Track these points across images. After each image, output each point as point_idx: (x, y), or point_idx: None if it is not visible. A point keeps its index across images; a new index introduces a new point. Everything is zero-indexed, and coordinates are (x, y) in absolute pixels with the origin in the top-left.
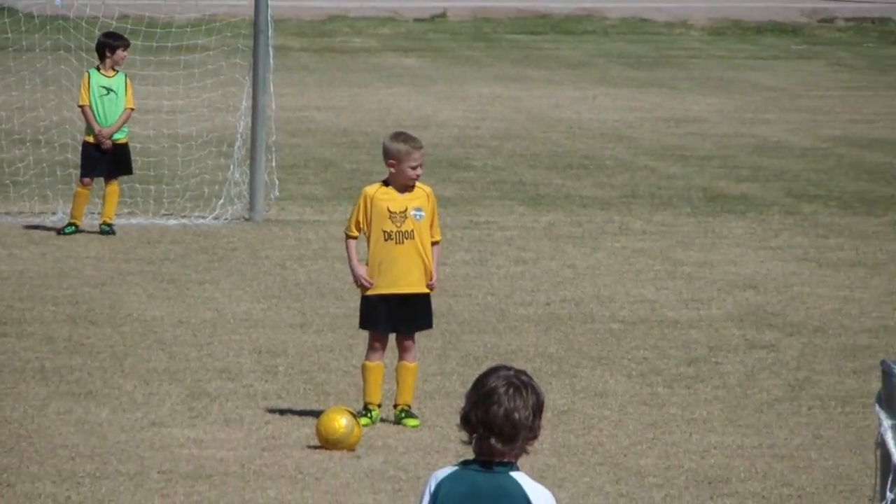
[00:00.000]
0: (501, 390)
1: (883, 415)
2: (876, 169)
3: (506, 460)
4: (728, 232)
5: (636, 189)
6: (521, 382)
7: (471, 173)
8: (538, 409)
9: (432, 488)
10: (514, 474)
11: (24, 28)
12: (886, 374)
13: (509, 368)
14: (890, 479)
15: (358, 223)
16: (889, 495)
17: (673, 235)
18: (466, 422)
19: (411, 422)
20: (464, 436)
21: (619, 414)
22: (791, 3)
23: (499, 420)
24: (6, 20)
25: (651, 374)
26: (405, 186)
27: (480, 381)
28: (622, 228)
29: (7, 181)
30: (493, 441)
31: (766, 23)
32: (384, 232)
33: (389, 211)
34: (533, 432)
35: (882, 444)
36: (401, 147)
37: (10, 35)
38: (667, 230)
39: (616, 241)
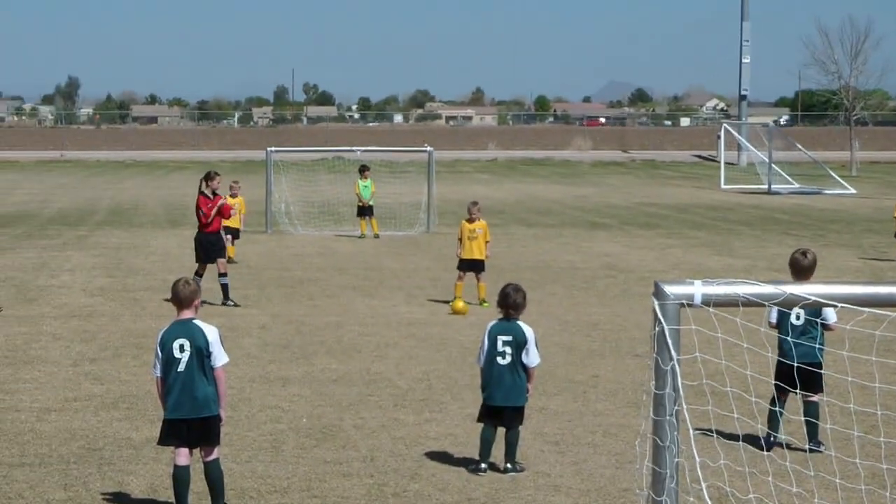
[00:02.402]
0: (510, 289)
1: None
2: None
3: (516, 315)
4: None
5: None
6: (518, 286)
7: (504, 214)
8: (525, 297)
9: (489, 327)
10: (519, 322)
11: None
12: None
13: (514, 284)
14: None
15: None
16: None
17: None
18: (500, 304)
19: (485, 305)
20: (499, 311)
21: None
22: None
23: (510, 301)
24: None
25: None
26: (471, 220)
27: (502, 290)
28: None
29: None
30: (509, 310)
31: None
32: (469, 237)
33: (468, 229)
34: (525, 307)
35: None
36: (469, 206)
37: None
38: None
39: (625, 240)
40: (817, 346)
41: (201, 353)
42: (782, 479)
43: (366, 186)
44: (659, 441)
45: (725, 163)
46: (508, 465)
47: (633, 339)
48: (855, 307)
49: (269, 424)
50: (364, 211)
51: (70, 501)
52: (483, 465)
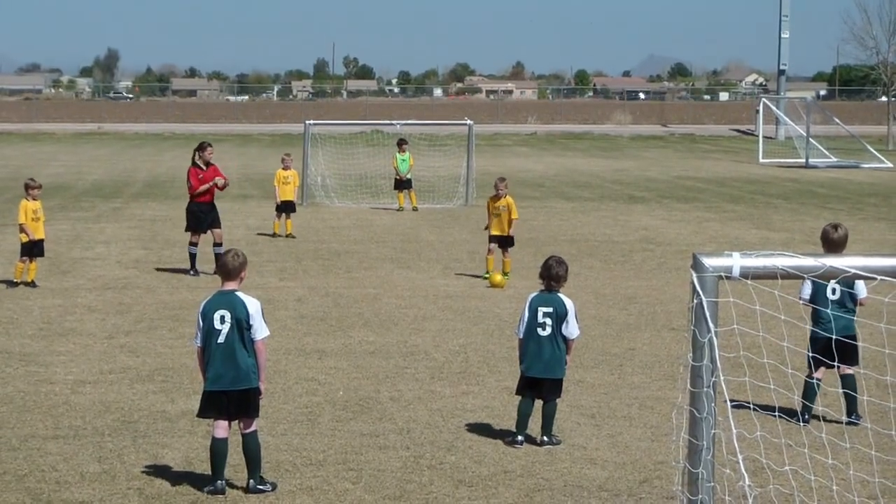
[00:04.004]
0: (553, 262)
1: None
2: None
3: (557, 288)
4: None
5: (619, 193)
6: (560, 259)
7: (544, 188)
8: (567, 270)
9: (530, 299)
10: (559, 294)
11: None
12: None
13: (557, 256)
14: None
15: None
16: None
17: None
18: (542, 276)
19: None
20: (541, 283)
21: None
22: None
23: (553, 272)
24: None
25: None
26: (497, 197)
27: (545, 262)
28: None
29: None
30: (551, 282)
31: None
32: (493, 213)
33: (493, 206)
34: (566, 279)
35: None
36: (496, 182)
37: None
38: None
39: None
40: (854, 318)
41: (241, 324)
42: (818, 452)
43: (403, 160)
44: (696, 413)
45: (764, 137)
46: (545, 438)
47: (669, 313)
48: (893, 280)
49: (306, 397)
50: (402, 184)
51: (104, 474)
52: (520, 438)
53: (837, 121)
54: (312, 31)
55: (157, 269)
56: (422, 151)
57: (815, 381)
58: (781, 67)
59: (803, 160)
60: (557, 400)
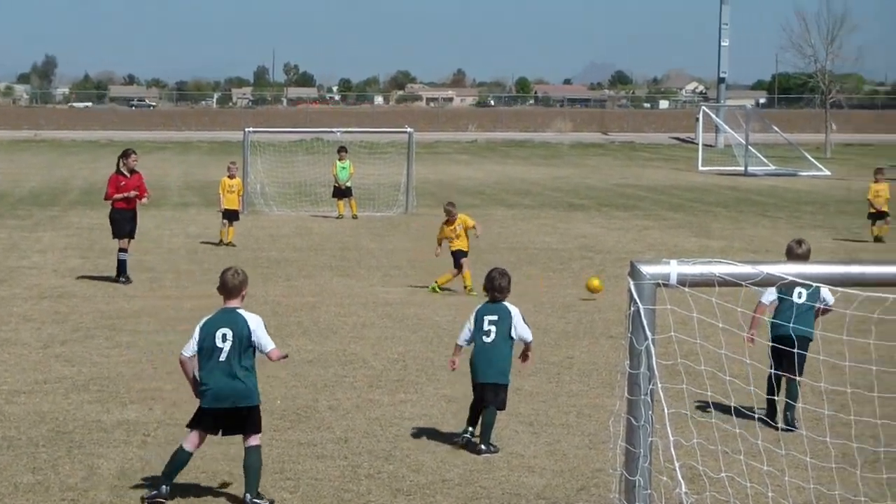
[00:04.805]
0: (496, 273)
1: None
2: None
3: (501, 298)
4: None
5: (555, 200)
6: (503, 271)
7: (484, 196)
8: (510, 281)
9: (476, 309)
10: (504, 303)
11: None
12: None
13: (500, 268)
14: None
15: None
16: None
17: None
18: (485, 288)
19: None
20: (485, 294)
21: None
22: None
23: (495, 284)
24: None
25: None
26: (451, 221)
27: (488, 274)
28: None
29: None
30: (495, 293)
31: None
32: (453, 236)
33: (449, 230)
34: (509, 291)
35: None
36: (446, 207)
37: None
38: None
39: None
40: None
41: (243, 342)
42: (754, 458)
43: (343, 168)
44: (633, 420)
45: (703, 145)
46: (483, 447)
47: (607, 320)
48: (828, 286)
49: None
50: (341, 192)
51: (38, 485)
52: (470, 429)
53: (776, 129)
54: (253, 38)
55: (94, 278)
56: (362, 159)
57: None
58: (721, 76)
59: (742, 168)
60: (500, 411)
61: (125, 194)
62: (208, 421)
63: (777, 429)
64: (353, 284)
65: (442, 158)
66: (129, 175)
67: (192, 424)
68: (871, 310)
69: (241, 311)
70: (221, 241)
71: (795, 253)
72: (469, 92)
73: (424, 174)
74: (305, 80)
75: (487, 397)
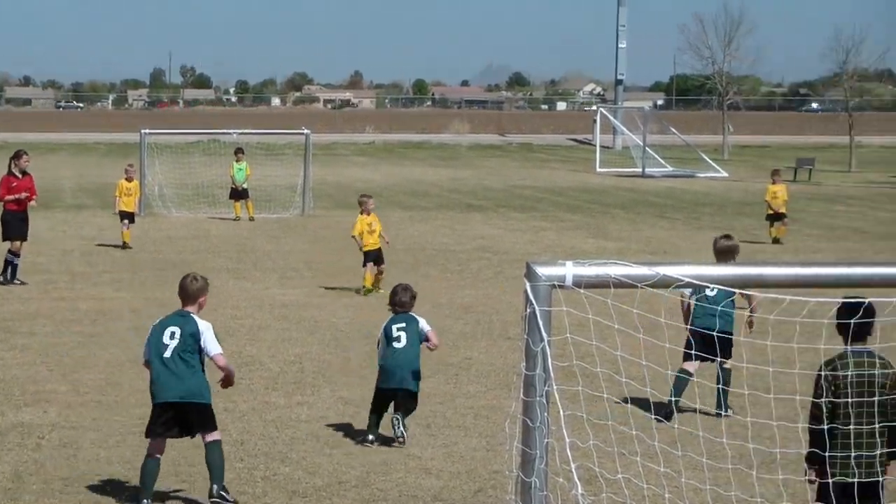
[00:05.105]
0: (399, 289)
1: None
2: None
3: (408, 311)
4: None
5: (452, 200)
6: (406, 286)
7: (381, 198)
8: (414, 296)
9: (384, 325)
10: (412, 313)
11: None
12: None
13: (403, 284)
14: None
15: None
16: None
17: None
18: (390, 303)
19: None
20: (390, 308)
21: None
22: None
23: (397, 299)
24: None
25: None
26: (369, 212)
27: (393, 288)
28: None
29: None
30: (397, 308)
31: None
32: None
33: (366, 222)
34: (412, 305)
35: None
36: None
37: None
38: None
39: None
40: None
41: (187, 341)
42: (651, 460)
43: (240, 169)
44: (529, 422)
45: (601, 146)
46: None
47: (505, 322)
48: (723, 288)
49: (139, 409)
50: (238, 194)
51: None
52: (371, 437)
53: (674, 130)
54: (149, 40)
55: None
56: (259, 161)
57: (685, 374)
58: (619, 77)
59: (640, 169)
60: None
61: (16, 196)
62: (161, 419)
63: (674, 428)
64: (250, 286)
65: (339, 160)
66: (21, 176)
67: (149, 432)
68: (770, 311)
69: (193, 315)
70: (125, 243)
71: (717, 247)
72: (366, 93)
73: (322, 176)
74: (202, 82)
75: (399, 403)
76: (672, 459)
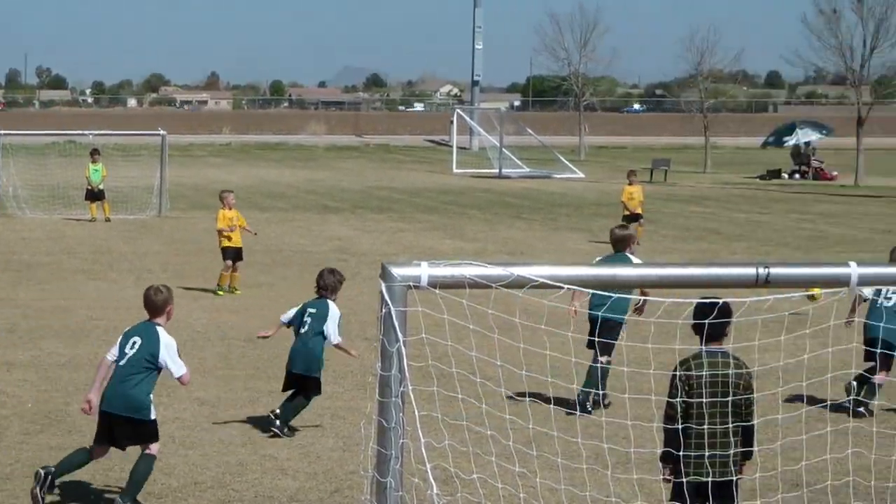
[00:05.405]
0: (325, 271)
1: None
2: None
3: (327, 295)
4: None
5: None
6: (333, 269)
7: (238, 199)
8: (338, 281)
9: (300, 307)
10: (329, 301)
11: None
12: None
13: (330, 267)
14: None
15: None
16: None
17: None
18: (317, 286)
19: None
20: (315, 291)
21: None
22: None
23: (319, 282)
24: None
25: None
26: (229, 207)
27: (320, 271)
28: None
29: None
30: (320, 290)
31: None
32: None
33: (228, 217)
34: (335, 290)
35: None
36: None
37: None
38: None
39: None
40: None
41: (144, 354)
42: (506, 460)
43: (96, 170)
44: (384, 423)
45: (458, 147)
46: (279, 424)
47: (363, 322)
48: (578, 289)
49: None
50: (95, 195)
51: None
52: (271, 415)
53: (530, 131)
54: (4, 41)
55: None
56: (115, 162)
57: (598, 365)
58: (475, 78)
59: (496, 170)
60: (310, 399)
61: None
62: (101, 427)
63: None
64: (106, 288)
65: (196, 161)
66: None
67: (96, 439)
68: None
69: (159, 327)
70: None
71: (613, 236)
72: (223, 95)
73: (178, 177)
74: (58, 83)
75: (300, 387)
76: (528, 459)
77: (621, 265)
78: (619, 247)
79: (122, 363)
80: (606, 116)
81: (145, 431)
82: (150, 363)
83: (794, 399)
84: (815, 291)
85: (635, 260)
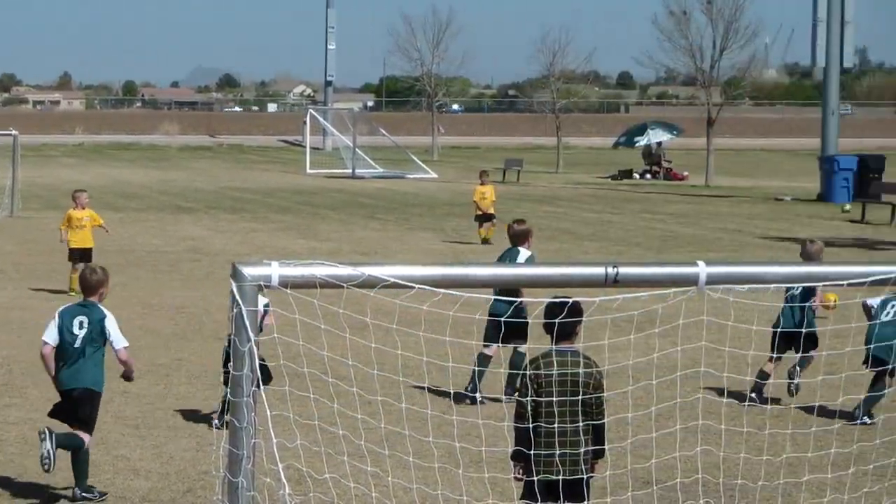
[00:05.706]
0: (87, 271)
1: None
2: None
3: (92, 298)
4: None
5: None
6: (94, 268)
7: (91, 199)
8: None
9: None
10: (98, 304)
11: None
12: None
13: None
14: None
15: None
16: None
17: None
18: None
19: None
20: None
21: None
22: None
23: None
24: None
25: None
26: (81, 207)
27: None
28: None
29: None
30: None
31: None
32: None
33: (79, 218)
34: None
35: None
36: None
37: None
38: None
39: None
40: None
41: (95, 328)
42: (359, 460)
43: None
44: (236, 422)
45: (311, 147)
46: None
47: (217, 322)
48: (428, 288)
49: None
50: None
51: None
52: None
53: (383, 132)
54: None
55: None
56: None
57: (487, 356)
58: (328, 79)
59: (350, 170)
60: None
61: None
62: (63, 408)
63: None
64: None
65: (49, 161)
66: None
67: (52, 412)
68: (476, 311)
69: (99, 305)
70: None
71: (510, 232)
72: (76, 95)
73: (31, 177)
74: None
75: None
76: (380, 459)
77: (472, 266)
78: (516, 241)
79: (76, 344)
80: (460, 117)
81: (97, 402)
82: (101, 337)
83: (644, 397)
84: (832, 298)
85: (525, 255)
